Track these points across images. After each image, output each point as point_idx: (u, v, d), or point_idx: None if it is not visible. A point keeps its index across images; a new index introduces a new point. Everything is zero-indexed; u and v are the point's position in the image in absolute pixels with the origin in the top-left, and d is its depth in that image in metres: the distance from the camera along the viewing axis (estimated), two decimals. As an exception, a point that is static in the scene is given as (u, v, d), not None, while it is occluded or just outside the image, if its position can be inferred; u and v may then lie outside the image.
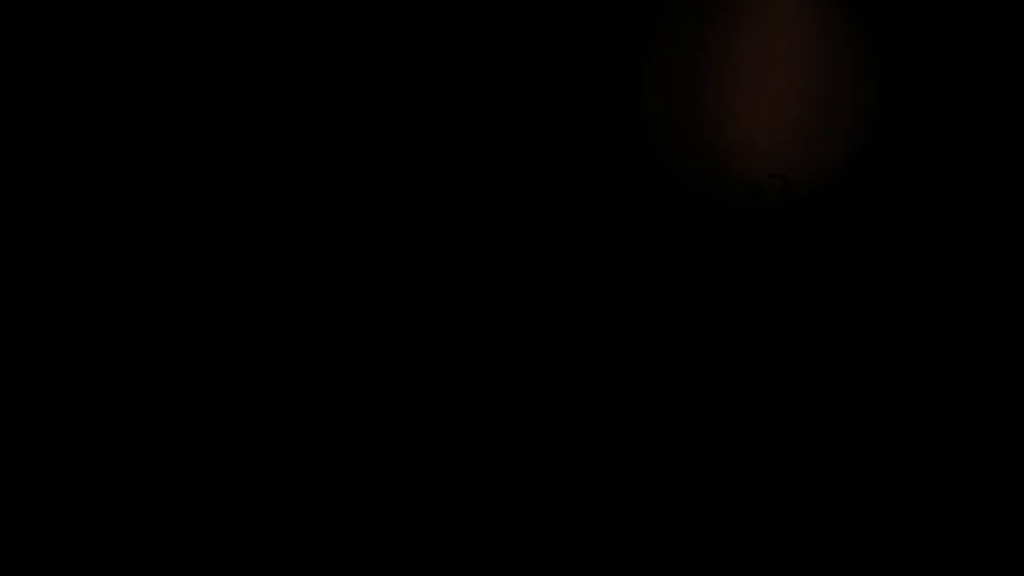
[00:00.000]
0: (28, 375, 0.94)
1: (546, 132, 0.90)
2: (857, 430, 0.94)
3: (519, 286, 0.92)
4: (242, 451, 0.95)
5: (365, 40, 0.90)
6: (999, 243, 0.90)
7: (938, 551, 0.95)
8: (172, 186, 0.91)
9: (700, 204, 0.90)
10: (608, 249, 0.92)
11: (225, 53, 0.90)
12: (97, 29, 0.89)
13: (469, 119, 0.90)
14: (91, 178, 0.92)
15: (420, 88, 0.90)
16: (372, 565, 0.97)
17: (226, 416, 0.95)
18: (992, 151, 0.89)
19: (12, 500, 0.95)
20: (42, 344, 0.94)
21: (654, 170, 0.90)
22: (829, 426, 0.94)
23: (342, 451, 0.96)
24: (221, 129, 0.91)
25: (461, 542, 0.96)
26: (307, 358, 0.94)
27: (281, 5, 0.89)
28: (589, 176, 0.91)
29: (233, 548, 0.96)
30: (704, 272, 0.92)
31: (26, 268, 0.92)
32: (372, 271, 0.93)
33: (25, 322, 0.93)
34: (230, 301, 0.93)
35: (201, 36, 0.90)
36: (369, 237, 0.92)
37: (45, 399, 0.94)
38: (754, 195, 0.78)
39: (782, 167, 0.77)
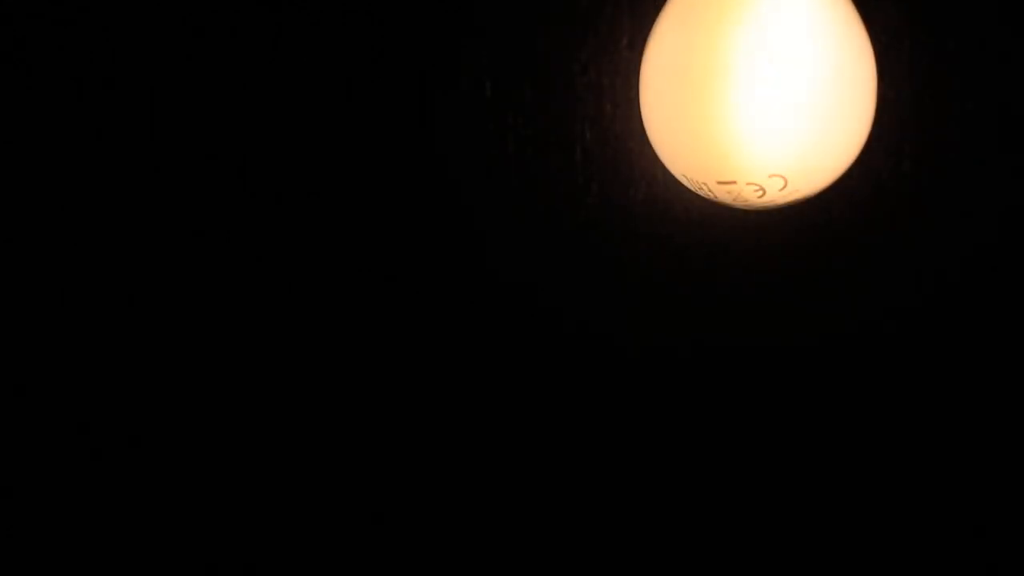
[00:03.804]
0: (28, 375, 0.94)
1: (543, 131, 0.90)
2: (858, 430, 0.94)
3: (517, 286, 0.92)
4: (242, 451, 0.96)
5: (363, 38, 0.90)
6: (1001, 244, 0.90)
7: (937, 551, 0.95)
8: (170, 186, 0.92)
9: (700, 205, 0.90)
10: (606, 249, 0.92)
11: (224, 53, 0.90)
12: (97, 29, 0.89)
13: (465, 117, 0.90)
14: (88, 178, 0.92)
15: (415, 86, 0.90)
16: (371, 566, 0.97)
17: (226, 416, 0.95)
18: (995, 152, 0.89)
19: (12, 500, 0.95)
20: (42, 344, 0.94)
21: (653, 170, 0.90)
22: (829, 427, 0.94)
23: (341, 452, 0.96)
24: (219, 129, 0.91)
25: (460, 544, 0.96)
26: (304, 359, 0.94)
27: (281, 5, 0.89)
28: (587, 176, 0.90)
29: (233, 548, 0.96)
30: (703, 272, 0.91)
31: (25, 268, 0.93)
32: (372, 271, 0.93)
33: (24, 323, 0.93)
34: (228, 302, 0.93)
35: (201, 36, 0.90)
36: (370, 236, 0.93)
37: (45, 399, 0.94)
38: (753, 196, 0.78)
39: (782, 167, 0.77)
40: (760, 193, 0.78)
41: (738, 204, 0.79)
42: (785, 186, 0.77)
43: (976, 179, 0.89)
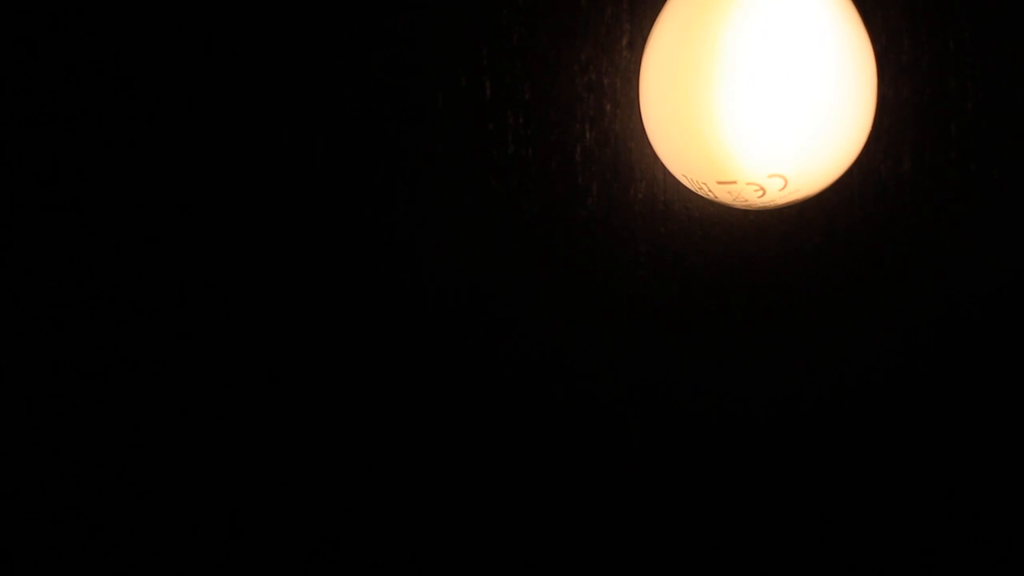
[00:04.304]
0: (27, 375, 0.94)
1: (543, 131, 0.90)
2: (858, 430, 0.94)
3: (517, 286, 0.92)
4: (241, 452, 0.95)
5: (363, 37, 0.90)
6: (1001, 243, 0.90)
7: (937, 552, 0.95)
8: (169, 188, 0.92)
9: (700, 205, 0.90)
10: (606, 249, 0.91)
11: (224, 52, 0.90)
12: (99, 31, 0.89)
13: (465, 117, 0.90)
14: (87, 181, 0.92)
15: (415, 85, 0.90)
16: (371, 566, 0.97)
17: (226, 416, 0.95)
18: (994, 152, 0.89)
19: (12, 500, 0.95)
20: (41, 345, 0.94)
21: (653, 170, 0.90)
22: (829, 426, 0.94)
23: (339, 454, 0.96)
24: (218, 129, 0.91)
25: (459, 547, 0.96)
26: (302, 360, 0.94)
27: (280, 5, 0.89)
28: (587, 176, 0.90)
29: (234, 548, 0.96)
30: (703, 272, 0.91)
31: (25, 269, 0.93)
32: (378, 269, 0.93)
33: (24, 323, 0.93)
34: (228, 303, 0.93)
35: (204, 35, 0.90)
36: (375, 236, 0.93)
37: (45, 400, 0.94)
38: (753, 196, 0.78)
39: (782, 167, 0.77)
40: (760, 193, 0.78)
41: (738, 204, 0.79)
42: (785, 186, 0.77)
43: (975, 179, 0.89)
